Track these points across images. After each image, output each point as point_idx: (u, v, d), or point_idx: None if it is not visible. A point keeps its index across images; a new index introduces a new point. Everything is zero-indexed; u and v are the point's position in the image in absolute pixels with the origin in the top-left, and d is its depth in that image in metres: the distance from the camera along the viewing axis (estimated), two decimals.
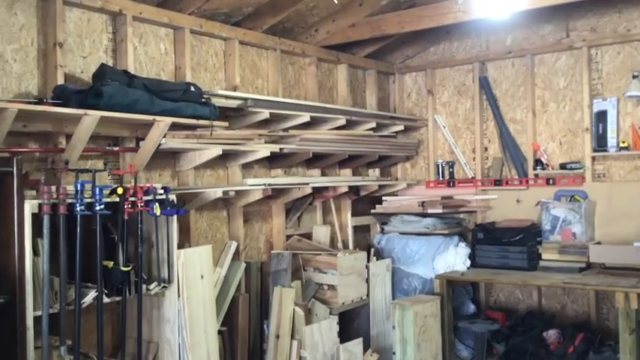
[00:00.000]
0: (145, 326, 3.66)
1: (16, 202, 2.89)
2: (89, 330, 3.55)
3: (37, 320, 2.97)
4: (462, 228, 5.66)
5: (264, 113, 4.40)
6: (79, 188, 3.10)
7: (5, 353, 2.93)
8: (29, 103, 3.16)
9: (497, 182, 5.59)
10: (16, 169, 2.89)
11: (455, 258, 5.21)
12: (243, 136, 4.28)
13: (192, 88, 3.84)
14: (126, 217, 3.34)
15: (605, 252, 4.73)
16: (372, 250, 5.40)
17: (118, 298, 3.36)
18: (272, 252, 4.67)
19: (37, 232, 3.04)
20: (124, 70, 3.66)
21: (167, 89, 3.72)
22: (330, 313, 4.65)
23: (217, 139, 4.06)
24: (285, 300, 4.37)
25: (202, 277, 3.74)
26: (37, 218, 3.00)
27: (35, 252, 3.04)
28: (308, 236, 5.14)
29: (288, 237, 5.00)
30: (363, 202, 5.76)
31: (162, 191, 3.54)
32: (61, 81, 3.45)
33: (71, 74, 3.61)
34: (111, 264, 3.31)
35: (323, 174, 5.34)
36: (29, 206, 2.93)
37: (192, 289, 3.66)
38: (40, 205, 2.98)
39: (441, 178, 5.91)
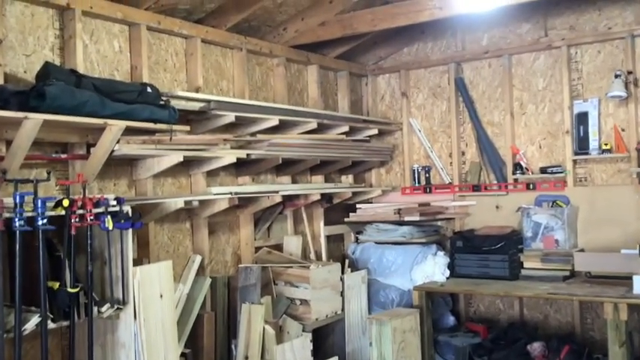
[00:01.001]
0: (99, 352, 3.31)
1: None
2: (35, 358, 3.18)
3: None
4: (439, 236, 5.42)
5: (229, 116, 4.09)
6: (17, 201, 2.75)
7: None
8: None
9: (476, 188, 5.37)
10: None
11: (433, 268, 4.96)
12: (207, 141, 3.96)
13: (149, 89, 3.52)
14: (73, 232, 2.99)
15: (590, 260, 4.52)
16: (347, 261, 5.11)
17: (65, 323, 3.00)
18: (240, 266, 4.34)
19: None
20: (72, 69, 3.32)
21: (120, 90, 3.39)
22: (303, 330, 4.35)
23: (178, 144, 3.74)
24: (254, 318, 4.05)
25: (161, 296, 3.40)
26: None
27: None
28: (279, 247, 4.84)
29: (258, 249, 4.69)
30: (336, 210, 5.47)
31: (115, 202, 3.20)
32: (0, 81, 3.09)
33: (13, 74, 3.25)
34: (56, 285, 2.95)
35: (294, 181, 5.05)
36: None
37: (150, 310, 3.32)
38: None
39: (417, 184, 5.67)
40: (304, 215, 5.12)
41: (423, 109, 5.77)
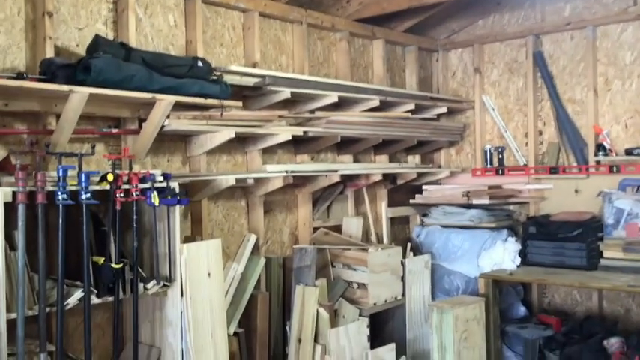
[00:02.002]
0: (147, 329, 3.30)
1: None
2: (78, 334, 3.21)
3: (13, 323, 2.62)
4: (511, 221, 5.08)
5: (285, 92, 3.94)
6: (60, 175, 2.74)
7: None
8: (8, 78, 2.80)
9: (553, 170, 4.99)
10: None
11: (503, 254, 4.65)
12: (261, 118, 3.84)
13: (200, 64, 3.43)
14: (118, 207, 2.96)
15: None
16: (409, 244, 4.89)
17: (110, 298, 2.99)
18: (294, 246, 4.22)
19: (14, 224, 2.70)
20: (121, 43, 3.28)
21: (170, 64, 3.32)
22: (360, 315, 4.19)
23: (230, 120, 3.64)
24: (307, 300, 3.93)
25: (209, 274, 3.34)
26: (12, 208, 2.65)
27: (12, 246, 2.70)
28: (338, 229, 4.68)
29: (316, 229, 4.56)
30: (402, 191, 5.25)
31: (161, 178, 3.15)
32: (51, 54, 3.08)
33: (65, 48, 3.24)
34: (101, 260, 2.94)
35: (356, 160, 4.87)
36: (1, 194, 2.57)
37: (197, 289, 3.26)
38: (14, 194, 2.62)
39: (488, 166, 5.33)
40: (366, 196, 4.93)
41: (497, 85, 5.41)
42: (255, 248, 4.07)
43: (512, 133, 5.30)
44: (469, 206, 5.00)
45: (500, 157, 5.30)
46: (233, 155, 4.09)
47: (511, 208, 5.17)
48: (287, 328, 4.09)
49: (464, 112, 5.57)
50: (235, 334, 3.78)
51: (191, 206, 3.77)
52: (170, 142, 3.70)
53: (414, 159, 5.44)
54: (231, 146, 4.00)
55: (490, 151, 5.34)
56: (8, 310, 2.60)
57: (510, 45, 5.33)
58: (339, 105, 4.40)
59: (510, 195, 5.07)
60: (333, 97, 4.22)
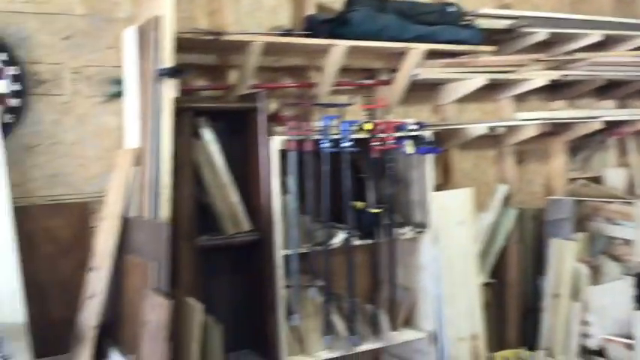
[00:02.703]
0: (402, 272, 3.41)
1: (262, 138, 2.83)
2: (342, 272, 3.43)
3: (289, 259, 2.91)
4: None
5: (541, 34, 3.70)
6: (325, 124, 2.92)
7: (258, 290, 2.94)
8: (277, 35, 3.04)
9: None
10: (261, 104, 2.81)
11: None
12: (514, 63, 3.66)
13: (450, 9, 3.37)
14: (375, 155, 3.08)
15: None
16: None
17: (369, 241, 3.15)
18: (549, 198, 4.00)
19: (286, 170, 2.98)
20: None
21: (421, 12, 3.33)
22: (625, 273, 3.84)
23: (482, 66, 3.53)
24: (565, 254, 3.72)
25: (462, 223, 3.33)
26: (284, 155, 2.91)
27: (285, 190, 2.98)
28: (597, 181, 4.31)
29: (571, 181, 4.25)
30: None
31: (415, 127, 3.19)
32: (312, 11, 3.28)
33: (323, 5, 3.41)
34: (360, 205, 3.10)
35: (619, 105, 4.40)
36: (276, 142, 2.84)
37: (449, 236, 3.28)
38: (286, 142, 2.87)
39: None
40: (632, 145, 4.45)
41: None
42: (506, 199, 3.94)
43: None
44: None
45: None
46: (482, 103, 3.97)
47: None
48: (540, 282, 3.93)
49: None
50: (487, 284, 3.74)
51: (440, 155, 3.77)
52: (419, 91, 3.71)
53: None
54: (480, 94, 3.87)
55: None
56: (285, 247, 2.89)
57: None
58: (601, 45, 3.99)
59: None
60: (596, 37, 3.84)
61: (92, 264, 2.60)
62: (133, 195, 2.62)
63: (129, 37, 2.71)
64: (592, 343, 3.60)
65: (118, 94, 2.82)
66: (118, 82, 2.82)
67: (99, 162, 2.81)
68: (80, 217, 2.75)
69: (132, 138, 2.70)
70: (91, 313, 2.54)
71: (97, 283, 2.54)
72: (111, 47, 2.83)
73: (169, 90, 2.49)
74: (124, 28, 2.79)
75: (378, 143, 3.06)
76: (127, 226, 2.60)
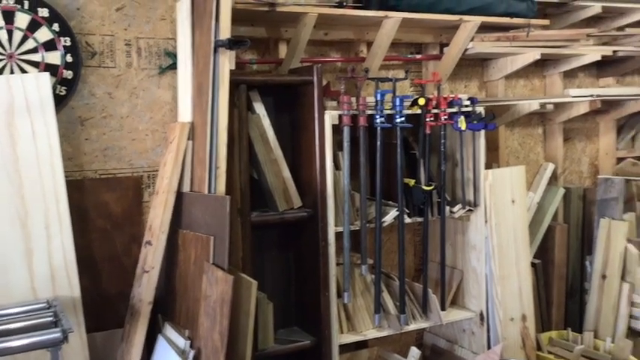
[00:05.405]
0: (449, 251, 3.36)
1: (316, 112, 2.76)
2: (390, 250, 3.40)
3: (339, 236, 2.87)
4: None
5: (595, 7, 3.59)
6: (378, 98, 2.85)
7: (308, 267, 2.91)
8: (330, 7, 2.96)
9: None
10: (316, 78, 2.74)
11: None
12: (567, 37, 3.56)
13: None
14: (428, 131, 3.00)
15: None
16: None
17: (419, 219, 3.09)
18: (598, 177, 3.91)
19: (337, 145, 2.92)
20: None
21: None
22: None
23: (534, 41, 3.43)
24: (614, 235, 3.64)
25: (513, 201, 3.26)
26: (337, 130, 2.84)
27: (336, 166, 2.93)
28: None
29: (620, 160, 4.16)
30: None
31: (468, 103, 3.11)
32: None
33: None
34: (412, 182, 3.04)
35: None
36: (329, 117, 2.78)
37: (501, 215, 3.21)
38: (340, 117, 2.81)
39: None
40: None
41: None
42: (552, 178, 3.87)
43: None
44: None
45: None
46: (530, 79, 3.88)
47: None
48: (587, 262, 3.86)
49: None
50: (532, 264, 3.67)
51: (487, 133, 3.69)
52: (468, 66, 3.64)
53: None
54: (529, 70, 3.79)
55: None
56: (335, 224, 2.84)
57: None
58: None
59: None
60: None
61: (146, 238, 2.57)
62: (187, 169, 2.58)
63: (182, 8, 2.65)
64: None
65: (170, 67, 2.77)
66: (171, 54, 2.77)
67: (152, 136, 2.77)
68: (133, 191, 2.72)
69: (185, 111, 2.65)
70: (145, 288, 2.51)
71: (152, 257, 2.51)
72: (164, 19, 2.77)
73: (227, 62, 2.43)
74: None
75: (431, 119, 2.99)
76: (181, 200, 2.57)
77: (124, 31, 2.71)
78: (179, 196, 2.57)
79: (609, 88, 4.01)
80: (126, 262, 2.71)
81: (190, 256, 2.47)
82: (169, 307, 2.63)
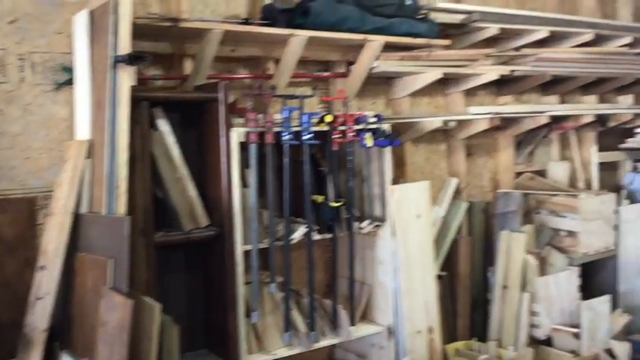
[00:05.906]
0: (358, 266, 3.39)
1: (223, 130, 2.72)
2: (301, 267, 3.38)
3: (247, 255, 2.83)
4: None
5: (492, 29, 3.76)
6: (286, 116, 2.85)
7: (216, 287, 2.85)
8: (236, 24, 2.94)
9: None
10: (222, 95, 2.71)
11: None
12: (467, 57, 3.71)
13: (408, 2, 3.36)
14: (335, 147, 3.03)
15: None
16: (622, 192, 4.50)
17: (328, 236, 3.10)
18: (498, 191, 4.08)
19: (244, 163, 2.88)
20: None
21: (380, 4, 3.30)
22: (569, 264, 3.97)
23: (436, 60, 3.55)
24: (514, 246, 3.80)
25: (419, 216, 3.34)
26: (245, 147, 2.81)
27: (244, 183, 2.89)
28: (542, 174, 4.44)
29: (518, 174, 4.37)
30: (611, 135, 4.82)
31: (374, 120, 3.17)
32: (269, 0, 3.19)
33: None
34: (320, 199, 3.05)
35: (562, 101, 4.54)
36: (236, 134, 2.75)
37: (407, 229, 3.29)
38: (247, 134, 2.78)
39: None
40: (574, 139, 4.61)
41: None
42: (457, 192, 4.00)
43: None
44: None
45: None
46: (434, 97, 4.01)
47: None
48: (489, 274, 4.00)
49: None
50: (439, 277, 3.77)
51: (393, 149, 3.77)
52: (374, 84, 3.70)
53: (626, 99, 4.95)
54: (432, 88, 3.90)
55: None
56: (244, 242, 2.80)
57: None
58: (547, 41, 4.11)
59: None
60: (543, 32, 3.95)
61: (41, 263, 2.43)
62: (85, 189, 2.47)
63: (80, 22, 2.55)
64: (540, 333, 3.70)
65: (67, 83, 2.65)
66: (68, 69, 2.65)
67: (47, 154, 2.63)
68: (26, 213, 2.57)
69: (83, 129, 2.54)
70: (40, 316, 2.37)
71: (47, 283, 2.38)
72: (60, 32, 2.65)
73: (126, 78, 2.36)
74: (73, 12, 2.62)
75: (338, 136, 3.02)
76: (78, 222, 2.45)
77: (16, 45, 2.57)
78: (76, 217, 2.45)
79: (508, 105, 4.21)
80: (19, 288, 2.54)
81: (87, 280, 2.36)
82: (66, 334, 2.50)
